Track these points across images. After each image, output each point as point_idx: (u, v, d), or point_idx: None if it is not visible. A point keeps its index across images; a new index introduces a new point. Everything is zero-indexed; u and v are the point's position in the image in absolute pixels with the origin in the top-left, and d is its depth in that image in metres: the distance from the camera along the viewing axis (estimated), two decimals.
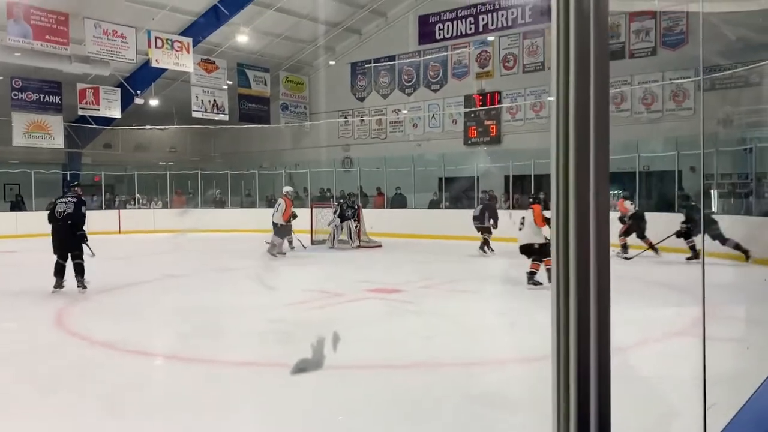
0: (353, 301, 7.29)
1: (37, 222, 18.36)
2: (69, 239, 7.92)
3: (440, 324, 6.22)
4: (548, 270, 8.21)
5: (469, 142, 20.06)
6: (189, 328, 6.09)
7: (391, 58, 21.71)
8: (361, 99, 22.81)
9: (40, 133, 20.25)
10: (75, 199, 8.14)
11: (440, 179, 18.81)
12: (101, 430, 3.46)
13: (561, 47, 0.55)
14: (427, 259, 12.04)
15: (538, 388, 4.07)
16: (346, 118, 23.41)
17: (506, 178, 17.42)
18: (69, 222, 7.90)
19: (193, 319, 6.52)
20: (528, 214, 8.11)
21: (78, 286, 7.81)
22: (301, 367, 2.34)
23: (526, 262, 8.00)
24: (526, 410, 3.86)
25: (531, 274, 7.89)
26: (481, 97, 19.78)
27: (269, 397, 4.07)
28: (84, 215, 8.10)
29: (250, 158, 23.34)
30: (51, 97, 20.42)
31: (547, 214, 8.05)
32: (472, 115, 19.98)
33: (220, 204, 21.55)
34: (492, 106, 19.55)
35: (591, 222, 0.55)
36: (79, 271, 7.91)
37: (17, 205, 20.10)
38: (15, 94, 19.67)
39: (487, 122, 19.74)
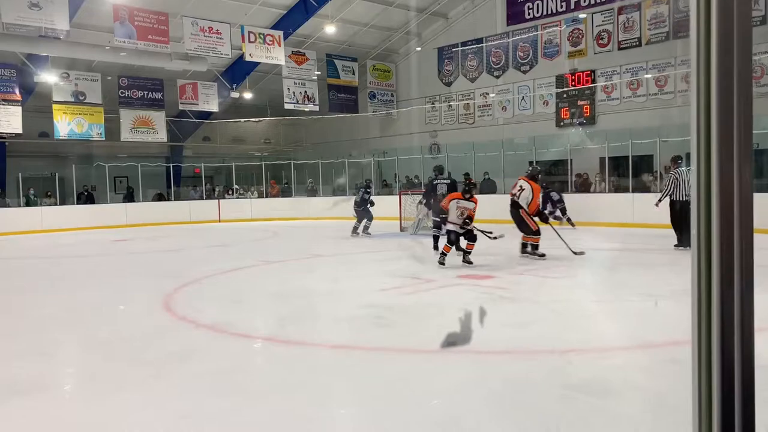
0: (445, 287, 7.27)
1: (145, 212, 19.68)
2: None
3: (535, 310, 6.09)
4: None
5: (562, 123, 19.46)
6: (287, 312, 6.29)
7: (479, 40, 21.35)
8: (448, 84, 22.61)
9: (145, 128, 21.50)
10: None
11: (530, 163, 18.38)
12: (207, 410, 3.64)
13: (702, 14, 0.50)
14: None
15: (640, 376, 3.91)
16: (433, 104, 23.30)
17: (601, 159, 16.77)
18: None
19: (291, 303, 6.73)
20: None
21: None
22: (451, 341, 2.40)
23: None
24: (628, 399, 3.72)
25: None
26: (573, 77, 19.10)
27: (365, 380, 4.14)
28: None
29: (339, 147, 23.75)
30: (154, 93, 21.63)
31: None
32: (565, 95, 19.35)
33: (313, 192, 22.09)
34: (586, 86, 18.84)
35: (735, 203, 0.51)
36: None
37: (128, 197, 21.49)
38: (122, 92, 20.99)
39: (580, 102, 19.06)
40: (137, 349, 5.05)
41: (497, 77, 21.10)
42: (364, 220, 13.59)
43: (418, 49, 23.54)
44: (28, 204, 18.95)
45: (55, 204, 19.34)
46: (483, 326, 5.47)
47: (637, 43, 17.55)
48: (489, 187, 18.51)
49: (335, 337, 5.23)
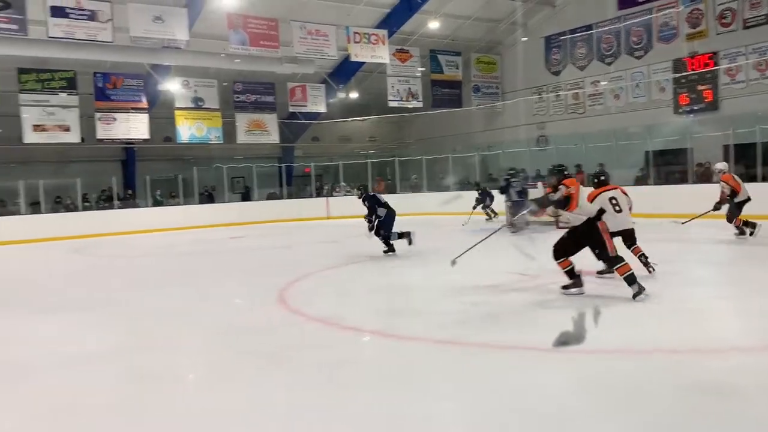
0: (553, 284, 7.07)
1: (259, 210, 20.62)
2: None
3: (650, 308, 5.79)
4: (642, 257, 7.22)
5: (680, 110, 18.31)
6: (394, 306, 6.39)
7: (588, 27, 20.51)
8: (556, 73, 21.90)
9: (259, 131, 22.52)
10: None
11: (647, 153, 17.44)
12: (315, 401, 3.77)
13: None
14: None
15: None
16: (540, 94, 22.69)
17: (725, 147, 15.61)
18: None
19: (398, 298, 6.84)
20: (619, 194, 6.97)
21: None
22: (563, 341, 2.32)
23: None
24: (754, 401, 3.46)
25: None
26: (693, 60, 17.90)
27: (472, 375, 4.12)
28: None
29: (443, 142, 23.69)
30: (266, 97, 22.58)
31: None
32: (683, 80, 18.18)
33: (417, 188, 22.20)
34: (707, 69, 17.59)
35: None
36: None
37: (246, 196, 22.68)
38: (237, 97, 22.07)
39: (700, 87, 17.84)
40: (251, 341, 5.32)
41: (609, 64, 20.17)
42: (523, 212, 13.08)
43: (525, 39, 22.97)
44: (155, 204, 20.46)
45: (179, 204, 20.71)
46: (594, 324, 5.28)
47: (765, 20, 16.15)
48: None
49: (441, 331, 5.24)
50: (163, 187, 21.33)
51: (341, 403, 3.69)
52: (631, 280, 5.94)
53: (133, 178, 22.22)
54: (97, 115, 19.58)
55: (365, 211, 10.43)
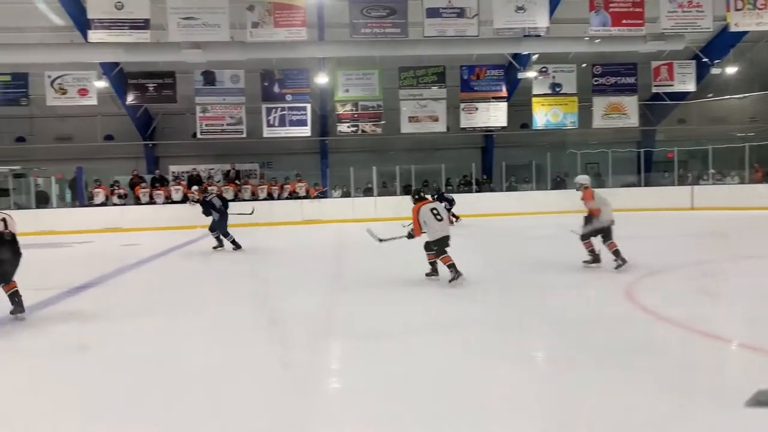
0: None
1: (614, 198, 19.72)
2: None
3: None
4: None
5: None
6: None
7: None
8: None
9: (617, 114, 21.56)
10: None
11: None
12: (647, 407, 3.49)
13: None
14: None
15: None
16: None
17: None
18: None
19: None
20: None
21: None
22: (761, 400, 1.75)
23: None
24: None
25: None
26: None
27: None
28: None
29: None
30: (627, 78, 21.47)
31: None
32: None
33: None
34: None
35: None
36: None
37: (598, 182, 21.99)
38: (595, 80, 21.47)
39: None
40: (588, 333, 5.17)
41: None
42: None
43: None
44: (509, 189, 21.28)
45: (531, 189, 21.16)
46: None
47: None
48: None
49: None
50: (518, 172, 22.02)
51: (669, 414, 3.35)
52: None
53: (491, 164, 23.48)
54: (462, 105, 21.21)
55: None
